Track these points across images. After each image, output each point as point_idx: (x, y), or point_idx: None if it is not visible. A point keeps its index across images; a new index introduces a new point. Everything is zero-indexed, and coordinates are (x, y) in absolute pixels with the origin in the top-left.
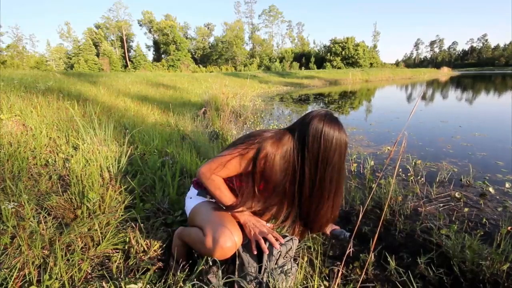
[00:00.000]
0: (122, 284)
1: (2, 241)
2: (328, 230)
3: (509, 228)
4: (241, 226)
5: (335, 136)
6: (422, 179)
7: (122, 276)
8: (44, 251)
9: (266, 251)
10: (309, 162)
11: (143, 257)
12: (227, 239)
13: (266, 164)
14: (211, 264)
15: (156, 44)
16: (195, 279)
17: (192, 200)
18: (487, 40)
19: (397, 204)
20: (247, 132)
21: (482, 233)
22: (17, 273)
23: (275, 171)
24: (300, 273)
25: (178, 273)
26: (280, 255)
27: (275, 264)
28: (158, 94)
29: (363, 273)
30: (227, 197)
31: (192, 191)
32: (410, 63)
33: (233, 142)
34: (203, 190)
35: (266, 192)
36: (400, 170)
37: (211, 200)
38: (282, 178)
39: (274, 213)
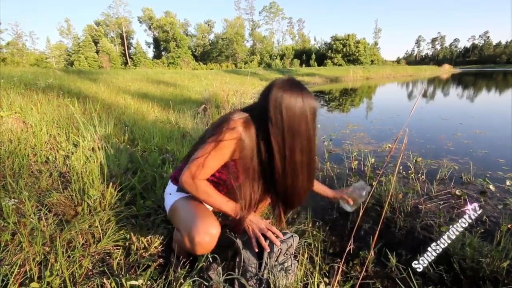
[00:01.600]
0: (123, 281)
1: (3, 238)
2: (331, 194)
3: (509, 225)
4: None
5: (297, 104)
6: (423, 176)
7: (123, 272)
8: (45, 247)
9: (267, 249)
10: (275, 136)
11: (143, 253)
12: (204, 235)
13: (241, 148)
14: (211, 260)
15: (156, 41)
16: (195, 276)
17: (172, 196)
18: (488, 37)
19: (397, 202)
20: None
21: (482, 230)
22: (18, 269)
23: (248, 154)
24: (301, 270)
25: (179, 270)
26: (280, 252)
27: (275, 261)
28: (158, 91)
29: (363, 270)
30: (215, 199)
31: (171, 187)
32: (411, 60)
33: (201, 139)
34: None
35: (241, 179)
36: (401, 167)
37: (189, 194)
38: (252, 158)
39: (251, 198)
